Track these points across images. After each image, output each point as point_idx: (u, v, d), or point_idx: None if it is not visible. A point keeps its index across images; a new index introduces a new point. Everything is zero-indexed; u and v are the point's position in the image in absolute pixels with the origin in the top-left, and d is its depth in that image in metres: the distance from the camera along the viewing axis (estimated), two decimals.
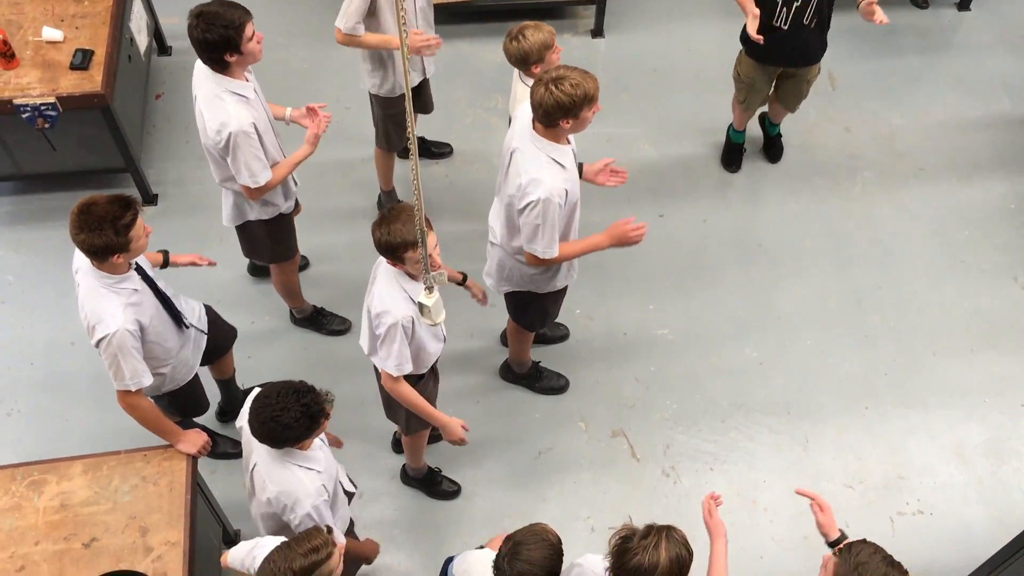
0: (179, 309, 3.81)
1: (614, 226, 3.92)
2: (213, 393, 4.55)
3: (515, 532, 2.94)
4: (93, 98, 4.91)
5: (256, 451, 3.35)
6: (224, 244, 5.17)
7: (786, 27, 4.76)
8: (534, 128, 3.71)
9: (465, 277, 4.31)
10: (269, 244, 4.50)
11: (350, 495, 3.78)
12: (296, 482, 3.31)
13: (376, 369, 3.81)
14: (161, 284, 3.73)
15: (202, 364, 4.19)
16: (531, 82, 3.79)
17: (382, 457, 4.77)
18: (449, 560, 3.45)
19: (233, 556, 3.27)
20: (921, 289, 5.36)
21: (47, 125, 4.94)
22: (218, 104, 3.86)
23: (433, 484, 4.65)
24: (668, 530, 2.80)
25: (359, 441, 4.73)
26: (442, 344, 3.88)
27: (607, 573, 2.84)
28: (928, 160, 5.89)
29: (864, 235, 5.56)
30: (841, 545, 2.83)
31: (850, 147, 5.94)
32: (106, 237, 3.30)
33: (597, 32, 6.42)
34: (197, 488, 3.85)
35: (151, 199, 5.55)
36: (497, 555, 2.91)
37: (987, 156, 5.91)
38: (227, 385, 4.65)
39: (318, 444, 3.42)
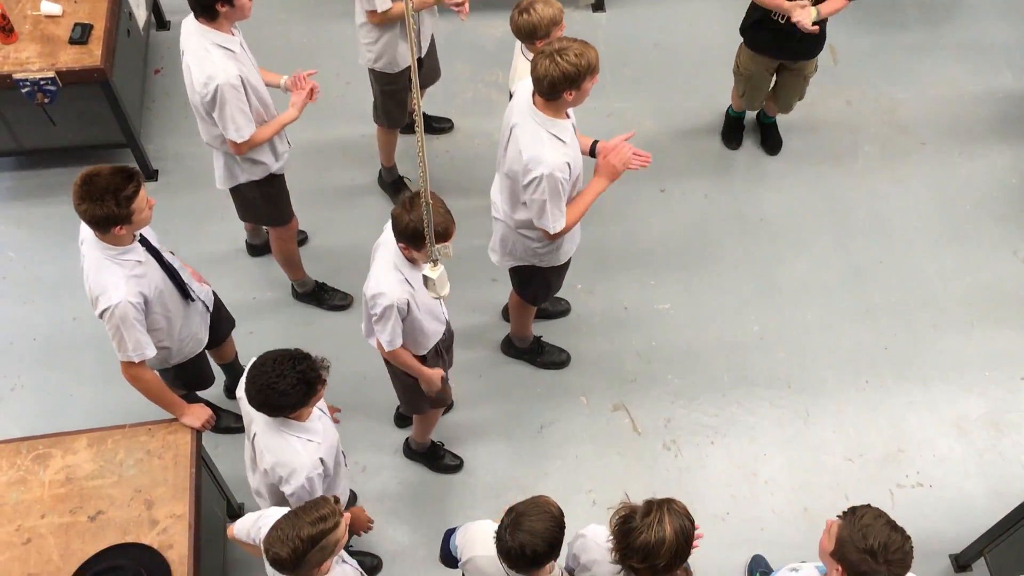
0: (184, 280, 3.81)
1: (604, 163, 3.89)
2: (219, 371, 4.57)
3: (517, 504, 2.95)
4: (92, 73, 4.89)
5: (256, 421, 3.35)
6: (225, 220, 5.17)
7: (783, 22, 4.79)
8: (534, 103, 3.70)
9: None
10: (263, 205, 4.50)
11: None
12: (292, 453, 3.30)
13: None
14: (167, 256, 3.73)
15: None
16: (532, 56, 3.78)
17: (384, 431, 4.79)
18: (451, 532, 3.46)
19: (239, 527, 3.29)
20: (922, 263, 5.36)
21: (47, 100, 4.93)
22: (205, 57, 3.89)
23: (436, 458, 4.68)
24: (668, 503, 2.82)
25: (362, 415, 4.76)
26: (442, 326, 3.87)
27: (612, 553, 2.86)
28: (930, 134, 5.88)
29: (865, 209, 5.56)
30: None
31: (852, 121, 5.92)
32: (107, 208, 3.30)
33: (598, 6, 6.38)
34: (201, 461, 3.86)
35: (151, 174, 5.54)
36: (499, 526, 2.92)
37: (989, 130, 5.90)
38: (231, 367, 4.67)
39: (317, 415, 3.40)
